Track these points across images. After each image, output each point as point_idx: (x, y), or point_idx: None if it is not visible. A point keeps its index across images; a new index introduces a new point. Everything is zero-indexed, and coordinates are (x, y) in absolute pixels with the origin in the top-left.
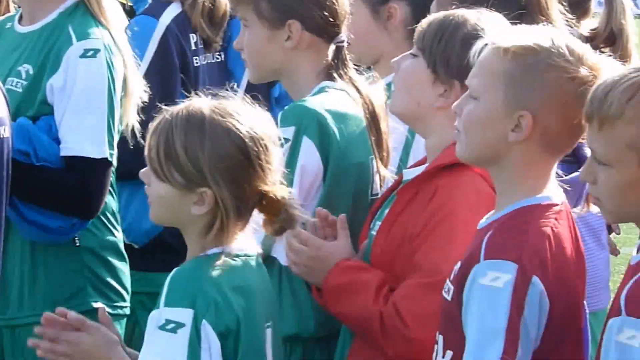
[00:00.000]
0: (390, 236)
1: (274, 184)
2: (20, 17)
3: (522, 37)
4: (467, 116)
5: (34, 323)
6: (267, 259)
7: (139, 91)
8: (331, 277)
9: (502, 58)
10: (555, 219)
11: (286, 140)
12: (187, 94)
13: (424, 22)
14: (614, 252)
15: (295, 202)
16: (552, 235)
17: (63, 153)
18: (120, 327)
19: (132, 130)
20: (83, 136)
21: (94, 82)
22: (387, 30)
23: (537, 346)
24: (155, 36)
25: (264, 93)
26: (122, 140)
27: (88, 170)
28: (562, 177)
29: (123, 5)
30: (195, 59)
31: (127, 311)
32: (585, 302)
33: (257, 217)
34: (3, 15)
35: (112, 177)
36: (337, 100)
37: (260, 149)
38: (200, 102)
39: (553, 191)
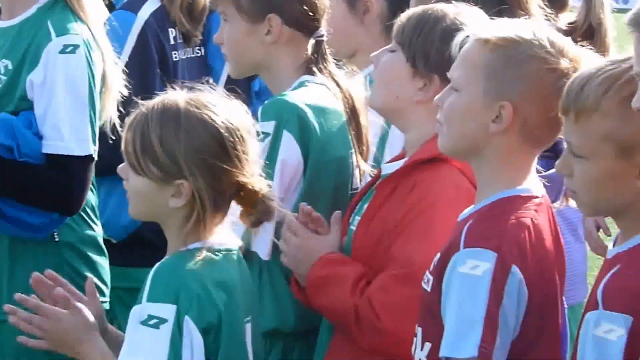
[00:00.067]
0: (369, 231)
1: (252, 175)
2: None
3: (503, 29)
4: (449, 108)
5: None
6: (247, 254)
7: (119, 86)
8: (314, 269)
9: (483, 49)
10: (535, 211)
11: (266, 134)
12: (166, 88)
13: (403, 17)
14: (600, 251)
15: (272, 193)
16: (532, 226)
17: (46, 150)
18: None
19: (112, 125)
20: (67, 134)
21: (74, 78)
22: (363, 24)
23: (515, 336)
24: (133, 31)
25: (244, 87)
26: (102, 135)
27: (72, 168)
28: (541, 172)
29: None
30: (175, 54)
31: (107, 306)
32: (563, 297)
33: (236, 211)
34: None
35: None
36: (317, 94)
37: (237, 139)
38: (175, 95)
39: (533, 184)
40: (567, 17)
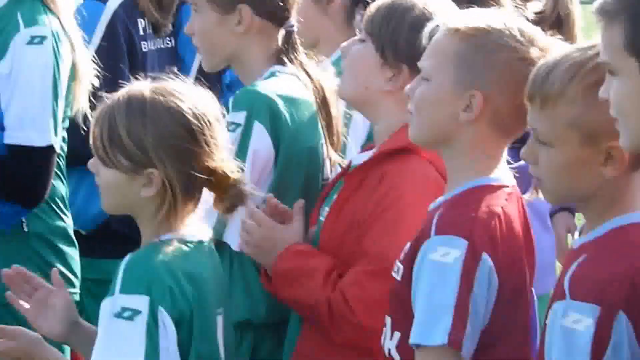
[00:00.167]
0: (338, 222)
1: (222, 160)
2: None
3: (473, 19)
4: (419, 97)
5: None
6: (218, 244)
7: (90, 77)
8: (281, 260)
9: (453, 39)
10: (506, 200)
11: (237, 125)
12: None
13: (372, 7)
14: (562, 261)
15: (244, 177)
16: (503, 215)
17: (7, 141)
18: None
19: (84, 115)
20: (27, 124)
21: (39, 69)
22: (327, 14)
23: (485, 325)
24: (102, 21)
25: (215, 79)
26: (72, 125)
27: (33, 159)
28: (511, 163)
29: None
30: (144, 44)
31: (77, 297)
32: (533, 288)
33: (207, 203)
34: None
35: (61, 162)
36: (287, 84)
37: (204, 124)
38: (140, 85)
39: (504, 173)
40: (535, 7)
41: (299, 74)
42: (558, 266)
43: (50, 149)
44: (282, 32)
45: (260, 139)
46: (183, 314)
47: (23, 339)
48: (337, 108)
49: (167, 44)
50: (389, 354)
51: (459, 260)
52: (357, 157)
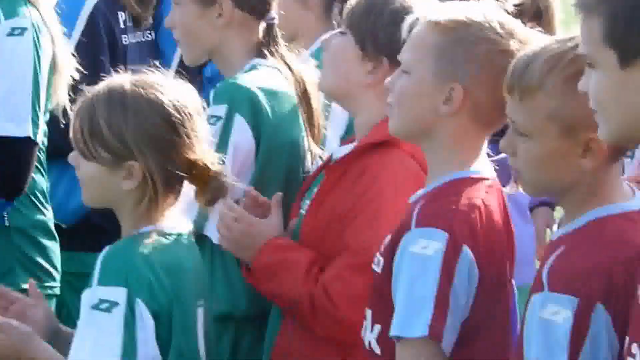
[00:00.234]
0: (319, 215)
1: (202, 152)
2: None
3: (453, 11)
4: (399, 90)
5: None
6: (200, 237)
7: (70, 70)
8: (261, 255)
9: (433, 31)
10: (486, 192)
11: (218, 118)
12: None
13: (352, 0)
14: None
15: (225, 169)
16: (483, 207)
17: None
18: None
19: (64, 108)
20: (6, 115)
21: (19, 60)
22: (306, 7)
23: (465, 317)
24: (82, 14)
25: (196, 73)
26: (52, 118)
27: (11, 149)
28: (492, 156)
29: None
30: (124, 37)
31: (57, 291)
32: (513, 281)
33: (188, 196)
34: None
35: (42, 156)
36: (268, 77)
37: (185, 117)
38: (120, 78)
39: (484, 166)
40: None
41: (279, 67)
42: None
43: (29, 140)
44: (262, 25)
45: (241, 132)
46: (162, 306)
47: (13, 333)
48: (318, 100)
49: (148, 37)
50: (369, 346)
51: (440, 252)
52: (337, 150)
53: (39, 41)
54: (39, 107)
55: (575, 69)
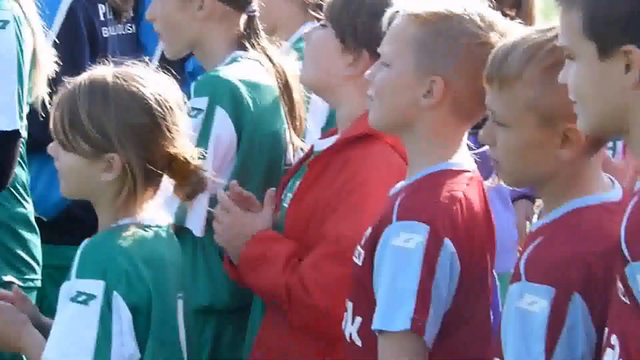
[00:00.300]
0: (301, 208)
1: (182, 146)
2: None
3: (433, 4)
4: (380, 83)
5: None
6: (181, 230)
7: (49, 63)
8: (247, 247)
9: (413, 24)
10: (467, 185)
11: (199, 110)
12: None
13: None
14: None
15: (204, 164)
16: (464, 200)
17: None
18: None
19: (43, 102)
20: None
21: (3, 53)
22: (284, 0)
23: (447, 309)
24: (62, 7)
25: (177, 67)
26: (32, 112)
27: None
28: (473, 149)
29: None
30: (104, 30)
31: (38, 283)
32: (494, 271)
33: (169, 189)
34: None
35: (22, 149)
36: (250, 70)
37: (166, 111)
38: (102, 70)
39: (464, 158)
40: None
41: (261, 59)
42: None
43: (15, 133)
44: (243, 17)
45: (223, 124)
46: (141, 298)
47: (8, 315)
48: (300, 93)
49: (128, 29)
50: (350, 338)
51: (421, 245)
52: (319, 142)
53: (21, 34)
54: (23, 100)
55: (554, 59)
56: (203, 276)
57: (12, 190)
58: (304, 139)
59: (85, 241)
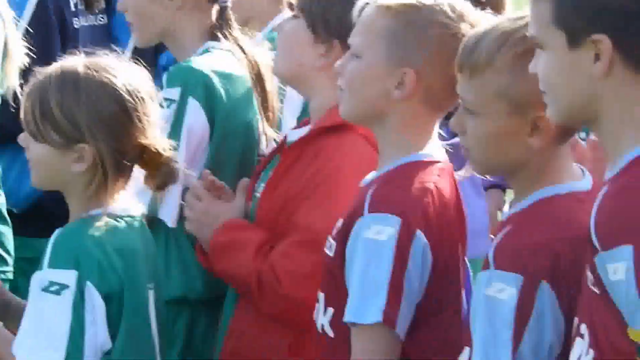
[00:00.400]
0: (273, 198)
1: (154, 137)
2: None
3: None
4: (350, 74)
5: None
6: (154, 221)
7: (21, 54)
8: (217, 234)
9: (384, 15)
10: (438, 176)
11: (172, 101)
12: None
13: None
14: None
15: (176, 155)
16: (435, 191)
17: None
18: None
19: (14, 93)
20: None
21: None
22: None
23: (420, 300)
24: None
25: (151, 60)
26: (4, 103)
27: None
28: (446, 139)
29: None
30: (75, 21)
31: (10, 276)
32: (466, 257)
33: (141, 179)
34: None
35: None
36: (222, 60)
37: (137, 101)
38: (73, 60)
39: (435, 149)
40: None
41: (233, 50)
42: None
43: None
44: (215, 8)
45: (195, 115)
46: (112, 288)
47: None
48: (272, 83)
49: (100, 20)
50: (322, 329)
51: (393, 237)
52: (292, 132)
53: None
54: None
55: (525, 46)
56: (176, 267)
57: None
58: (278, 130)
59: (57, 231)
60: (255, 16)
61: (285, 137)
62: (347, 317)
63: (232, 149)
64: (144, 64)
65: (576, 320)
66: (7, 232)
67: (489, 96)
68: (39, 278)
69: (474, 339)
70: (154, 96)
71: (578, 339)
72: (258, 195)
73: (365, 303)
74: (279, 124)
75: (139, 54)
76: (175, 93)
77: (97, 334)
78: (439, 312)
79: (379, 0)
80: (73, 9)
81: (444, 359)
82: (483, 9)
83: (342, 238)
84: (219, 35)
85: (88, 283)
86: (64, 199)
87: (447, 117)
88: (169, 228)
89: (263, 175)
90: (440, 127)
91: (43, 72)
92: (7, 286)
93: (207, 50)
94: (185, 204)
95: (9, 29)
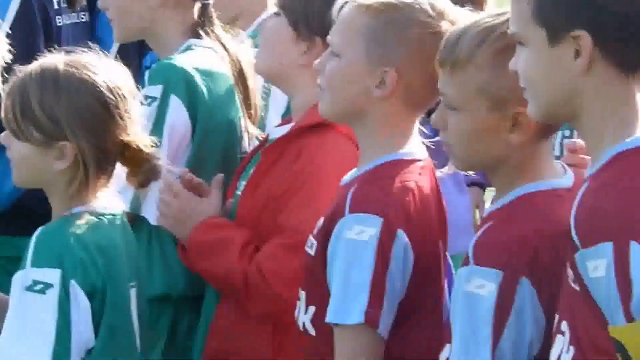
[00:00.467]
0: (255, 197)
1: (135, 134)
2: None
3: None
4: (330, 73)
5: None
6: (136, 219)
7: (3, 52)
8: (197, 233)
9: (363, 14)
10: (419, 174)
11: (154, 98)
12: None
13: None
14: None
15: (158, 151)
16: (416, 190)
17: None
18: None
19: None
20: None
21: None
22: None
23: (401, 298)
24: None
25: (135, 62)
26: None
27: None
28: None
29: None
30: (58, 18)
31: None
32: (447, 254)
33: (123, 177)
34: None
35: None
36: (204, 58)
37: (118, 97)
38: (53, 58)
39: (416, 147)
40: None
41: (215, 47)
42: None
43: None
44: (197, 5)
45: (177, 112)
46: (95, 286)
47: None
48: (255, 81)
49: (82, 18)
50: (304, 327)
51: (375, 238)
52: (274, 130)
53: None
54: None
55: (506, 42)
56: (158, 265)
57: None
58: (263, 127)
59: (39, 230)
60: (242, 14)
61: (267, 135)
62: (330, 318)
63: (214, 147)
64: (128, 64)
65: (557, 317)
66: None
67: (470, 92)
68: (22, 277)
69: (454, 335)
70: (135, 93)
71: (559, 336)
72: (239, 193)
73: (348, 304)
74: (263, 122)
75: (123, 55)
76: (157, 91)
77: (83, 333)
78: (420, 309)
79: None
80: (56, 6)
81: (425, 356)
82: (463, 5)
83: (323, 237)
84: (201, 32)
85: (72, 282)
86: (46, 198)
87: (429, 114)
88: (151, 225)
89: (245, 173)
90: (423, 124)
91: (23, 70)
92: None
93: (189, 48)
94: (161, 200)
95: None
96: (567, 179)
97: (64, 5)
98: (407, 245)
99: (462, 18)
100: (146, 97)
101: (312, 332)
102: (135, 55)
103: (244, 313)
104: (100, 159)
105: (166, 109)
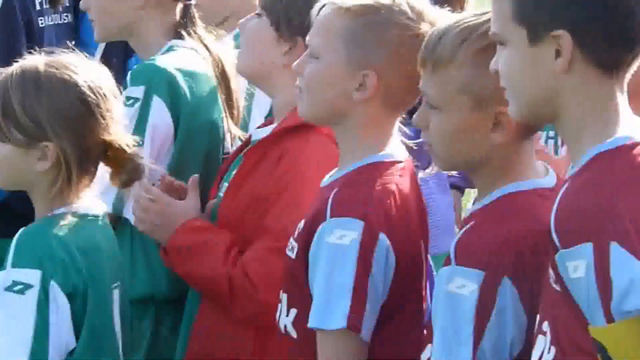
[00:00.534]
0: (237, 198)
1: (117, 133)
2: None
3: None
4: (309, 75)
5: None
6: (119, 220)
7: None
8: (177, 236)
9: (342, 17)
10: (400, 176)
11: (136, 99)
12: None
13: None
14: None
15: (141, 150)
16: (397, 192)
17: None
18: None
19: None
20: None
21: None
22: None
23: (384, 301)
24: None
25: (119, 65)
26: None
27: None
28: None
29: None
30: (41, 19)
31: None
32: (429, 255)
33: (106, 178)
34: None
35: None
36: (186, 58)
37: (99, 97)
38: (34, 59)
39: (396, 148)
40: None
41: (197, 48)
42: None
43: None
44: (179, 6)
45: (159, 113)
46: (76, 287)
47: None
48: (237, 81)
49: (65, 18)
50: (285, 329)
51: (356, 241)
52: (256, 132)
53: None
54: None
55: (487, 41)
56: (141, 266)
57: None
58: (245, 128)
59: (21, 230)
60: (231, 15)
61: (250, 135)
62: (312, 323)
63: (196, 148)
64: (112, 67)
65: (538, 317)
66: None
67: (452, 91)
68: (2, 277)
69: (435, 335)
70: (117, 93)
71: (540, 336)
72: (222, 194)
73: (329, 309)
74: (247, 123)
75: (107, 58)
76: (139, 92)
77: (62, 334)
78: (402, 311)
79: (337, 1)
80: (38, 8)
81: (407, 357)
82: (442, 6)
83: (305, 240)
84: (183, 33)
85: (52, 282)
86: (29, 199)
87: (411, 113)
88: (134, 227)
89: (227, 174)
90: (406, 125)
91: (4, 72)
92: None
93: (171, 49)
94: (138, 205)
95: None
96: (549, 179)
97: (46, 6)
98: (388, 248)
99: (441, 19)
100: (128, 98)
101: (294, 334)
102: (119, 59)
103: (227, 315)
104: (83, 159)
105: (148, 109)
